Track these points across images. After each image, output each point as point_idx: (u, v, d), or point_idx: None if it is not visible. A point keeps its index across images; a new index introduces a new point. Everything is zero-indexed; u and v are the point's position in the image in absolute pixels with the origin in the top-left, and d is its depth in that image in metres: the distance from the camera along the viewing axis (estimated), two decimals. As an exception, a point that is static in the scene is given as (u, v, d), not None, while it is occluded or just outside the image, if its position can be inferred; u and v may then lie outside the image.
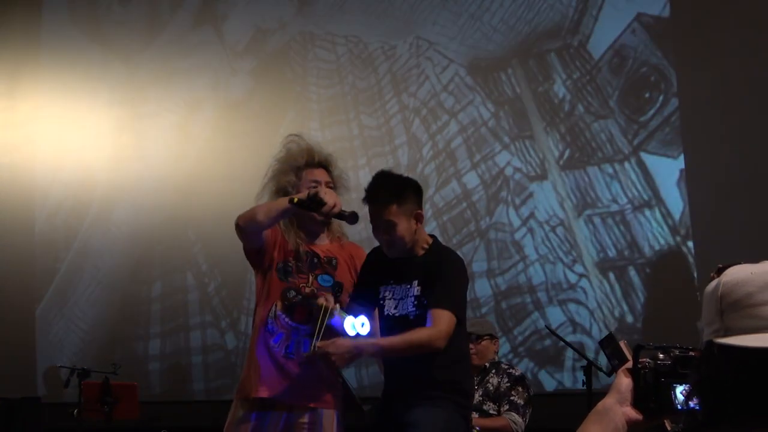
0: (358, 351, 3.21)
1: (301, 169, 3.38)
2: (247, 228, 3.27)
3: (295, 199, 3.14)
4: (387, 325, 3.37)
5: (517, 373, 4.56)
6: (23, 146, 7.75)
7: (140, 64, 7.30)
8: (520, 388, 4.48)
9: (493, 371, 4.54)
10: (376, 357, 3.45)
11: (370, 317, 3.33)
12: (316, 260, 3.40)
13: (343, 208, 3.21)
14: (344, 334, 3.21)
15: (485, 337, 4.59)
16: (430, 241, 3.43)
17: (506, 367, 4.60)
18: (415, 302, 3.31)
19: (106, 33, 7.55)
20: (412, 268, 3.36)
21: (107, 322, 7.00)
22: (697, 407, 1.34)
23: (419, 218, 3.36)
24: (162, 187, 6.95)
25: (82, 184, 7.36)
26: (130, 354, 6.78)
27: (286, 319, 3.29)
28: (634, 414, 1.42)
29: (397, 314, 3.33)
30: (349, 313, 3.27)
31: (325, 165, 3.45)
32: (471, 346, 4.43)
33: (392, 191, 3.30)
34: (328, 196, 3.14)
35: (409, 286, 3.35)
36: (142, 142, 7.18)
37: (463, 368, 3.43)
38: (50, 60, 7.72)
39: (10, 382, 7.13)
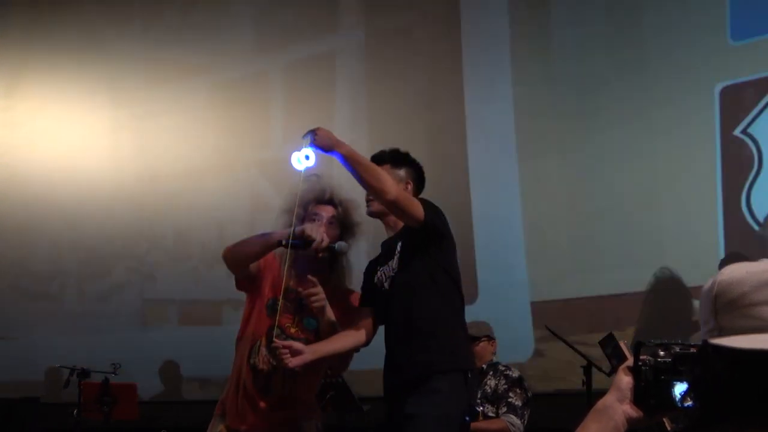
0: (337, 142, 3.08)
1: (309, 203, 3.38)
2: (234, 261, 3.34)
3: (283, 241, 3.19)
4: (385, 301, 3.33)
5: (515, 375, 4.52)
6: (23, 146, 7.82)
7: (140, 65, 7.40)
8: (518, 390, 4.46)
9: (491, 373, 4.51)
10: (345, 158, 3.16)
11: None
12: (304, 302, 3.36)
13: (331, 243, 3.25)
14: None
15: (482, 339, 4.57)
16: None
17: (504, 368, 4.57)
18: (399, 257, 3.28)
19: (107, 33, 7.61)
20: (395, 240, 3.36)
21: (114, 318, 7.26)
22: (694, 406, 1.35)
23: (408, 189, 3.35)
24: (161, 186, 7.08)
25: (82, 183, 7.41)
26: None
27: (268, 357, 3.32)
28: (634, 412, 1.42)
29: (386, 283, 3.31)
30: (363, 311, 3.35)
31: (334, 203, 3.40)
32: (467, 347, 4.40)
33: (392, 156, 3.41)
34: (314, 232, 3.18)
35: (394, 255, 3.32)
36: (141, 142, 7.27)
37: (453, 330, 3.29)
38: (50, 60, 7.76)
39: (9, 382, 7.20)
